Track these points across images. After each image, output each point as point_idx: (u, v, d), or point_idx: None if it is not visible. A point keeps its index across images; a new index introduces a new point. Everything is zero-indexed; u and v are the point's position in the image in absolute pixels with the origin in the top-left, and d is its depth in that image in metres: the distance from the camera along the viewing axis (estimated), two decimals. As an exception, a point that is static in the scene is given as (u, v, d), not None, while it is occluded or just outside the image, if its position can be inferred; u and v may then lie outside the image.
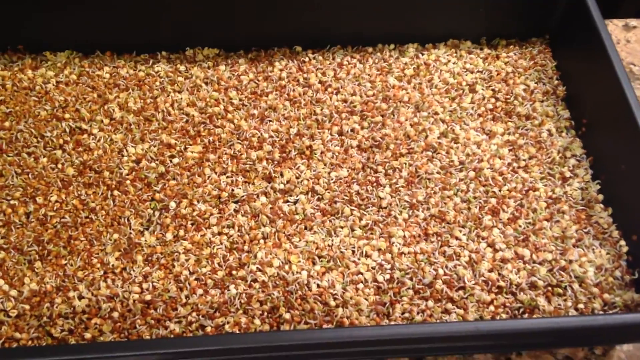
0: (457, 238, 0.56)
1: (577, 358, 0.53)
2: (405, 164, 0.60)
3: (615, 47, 0.60)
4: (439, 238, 0.56)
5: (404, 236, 0.56)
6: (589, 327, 0.44)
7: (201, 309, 0.51)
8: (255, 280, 0.53)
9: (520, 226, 0.56)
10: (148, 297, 0.52)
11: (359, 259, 0.54)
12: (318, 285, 0.53)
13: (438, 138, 0.62)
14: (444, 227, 0.56)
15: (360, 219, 0.57)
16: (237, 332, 0.50)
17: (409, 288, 0.53)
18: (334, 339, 0.44)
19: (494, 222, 0.56)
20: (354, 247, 0.55)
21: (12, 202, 0.57)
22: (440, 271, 0.53)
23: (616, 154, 0.58)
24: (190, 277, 0.53)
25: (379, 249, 0.55)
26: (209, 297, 0.52)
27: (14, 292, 0.52)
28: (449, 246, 0.55)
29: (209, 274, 0.53)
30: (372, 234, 0.56)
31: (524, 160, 0.61)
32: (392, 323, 0.51)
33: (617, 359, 0.53)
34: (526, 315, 0.51)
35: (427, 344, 0.45)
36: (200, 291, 0.52)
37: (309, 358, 0.45)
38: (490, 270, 0.54)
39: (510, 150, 0.62)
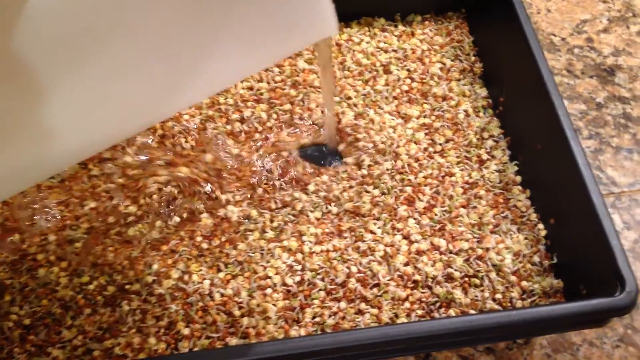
0: (371, 232, 0.52)
1: (498, 348, 0.51)
2: None
3: (529, 20, 0.57)
4: (352, 233, 0.52)
5: (316, 234, 0.52)
6: (505, 323, 0.42)
7: (88, 331, 0.46)
8: (151, 294, 0.48)
9: (436, 215, 0.53)
10: (27, 322, 0.46)
11: (267, 262, 0.50)
12: (222, 294, 0.48)
13: (354, 119, 0.59)
14: (357, 221, 0.53)
15: (272, 221, 0.53)
16: (129, 354, 0.45)
17: (320, 289, 0.49)
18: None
19: (409, 212, 0.53)
20: (262, 250, 0.51)
21: None
22: (354, 269, 0.50)
23: (532, 133, 0.56)
24: (78, 296, 0.48)
25: (289, 250, 0.51)
26: (98, 317, 0.47)
27: None
28: (363, 241, 0.52)
29: (98, 291, 0.48)
30: (283, 234, 0.52)
31: (440, 144, 0.58)
32: (302, 332, 0.47)
33: (539, 346, 0.51)
34: (442, 310, 0.48)
35: (337, 354, 0.41)
36: (88, 310, 0.47)
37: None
38: (406, 264, 0.50)
39: (426, 134, 0.59)
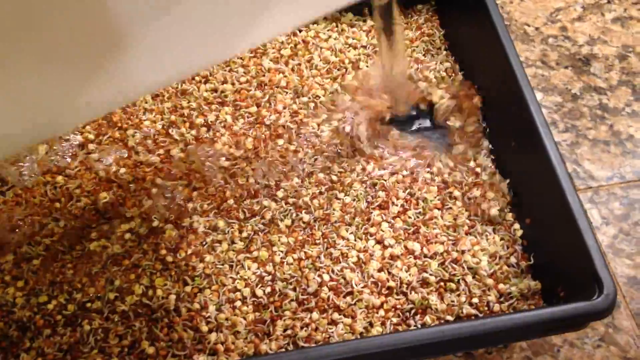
0: (343, 238, 0.50)
1: (477, 352, 0.50)
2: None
3: (498, 9, 0.56)
4: (324, 240, 0.50)
5: (288, 242, 0.50)
6: (480, 332, 0.40)
7: (48, 353, 0.44)
8: (113, 312, 0.46)
9: (409, 217, 0.51)
10: (-18, 348, 0.44)
11: (237, 274, 0.48)
12: (188, 309, 0.46)
13: (320, 125, 0.57)
14: (329, 228, 0.51)
15: (241, 231, 0.51)
16: (91, 377, 0.43)
17: (292, 300, 0.47)
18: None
19: (382, 216, 0.51)
20: (232, 262, 0.49)
21: None
22: (326, 277, 0.48)
23: (506, 130, 0.54)
24: (36, 316, 0.46)
25: (260, 260, 0.49)
26: (58, 338, 0.45)
27: None
28: (335, 247, 0.50)
29: (58, 310, 0.46)
30: (252, 244, 0.50)
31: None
32: (274, 345, 0.45)
33: (518, 349, 0.50)
34: (418, 317, 0.47)
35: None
36: (47, 331, 0.45)
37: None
38: (380, 270, 0.49)
39: (398, 132, 0.57)
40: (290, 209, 0.51)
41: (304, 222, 0.51)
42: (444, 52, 0.63)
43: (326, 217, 0.51)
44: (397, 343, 0.40)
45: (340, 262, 0.49)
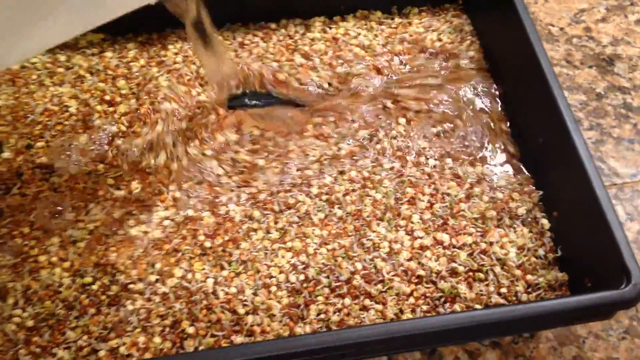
0: (374, 231, 0.52)
1: (504, 342, 0.51)
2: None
3: (527, 10, 0.57)
4: (357, 232, 0.52)
5: (321, 235, 0.51)
6: (510, 318, 0.42)
7: (93, 331, 0.46)
8: (154, 293, 0.48)
9: (437, 210, 0.53)
10: (30, 323, 0.46)
11: (271, 261, 0.50)
12: (226, 292, 0.48)
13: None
14: (361, 222, 0.52)
15: (276, 222, 0.52)
16: (135, 353, 0.45)
17: (324, 286, 0.49)
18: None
19: (411, 210, 0.53)
20: (267, 250, 0.51)
21: None
22: (359, 265, 0.50)
23: (534, 126, 0.55)
24: (81, 296, 0.48)
25: (294, 250, 0.51)
26: (102, 317, 0.47)
27: None
28: (367, 239, 0.51)
29: (102, 291, 0.48)
30: (287, 235, 0.51)
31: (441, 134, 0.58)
32: (308, 329, 0.47)
33: (545, 339, 0.51)
34: (447, 305, 0.48)
35: (342, 350, 0.41)
36: (92, 310, 0.47)
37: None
38: (410, 260, 0.50)
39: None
40: (323, 205, 0.53)
41: (336, 217, 0.52)
42: (473, 46, 0.64)
43: (358, 213, 0.53)
44: (428, 327, 0.42)
45: (371, 252, 0.51)
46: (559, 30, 0.72)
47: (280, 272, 0.49)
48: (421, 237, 0.51)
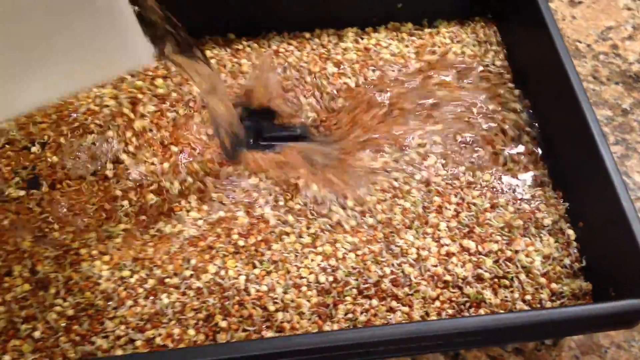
0: (403, 238, 0.53)
1: (527, 349, 0.52)
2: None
3: (557, 26, 0.58)
4: (386, 239, 0.53)
5: (353, 242, 0.53)
6: (534, 322, 0.43)
7: (130, 322, 0.48)
8: (189, 288, 0.50)
9: (464, 219, 0.54)
10: (70, 312, 0.48)
11: (301, 263, 0.52)
12: (257, 290, 0.50)
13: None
14: (391, 229, 0.54)
15: (308, 227, 0.54)
16: (170, 344, 0.47)
17: (353, 287, 0.50)
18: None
19: (439, 218, 0.54)
20: (298, 253, 0.52)
21: None
22: (387, 269, 0.51)
23: (561, 138, 0.57)
24: (119, 288, 0.50)
25: (324, 254, 0.52)
26: (139, 309, 0.49)
27: None
28: (396, 245, 0.53)
29: (139, 283, 0.50)
30: (318, 240, 0.53)
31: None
32: (335, 327, 0.48)
33: (567, 349, 0.52)
34: (472, 310, 0.49)
35: (368, 348, 0.43)
36: (129, 302, 0.49)
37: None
38: (436, 265, 0.51)
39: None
40: (356, 215, 0.54)
41: (367, 225, 0.54)
42: (501, 55, 0.65)
43: (388, 221, 0.54)
44: (453, 328, 0.43)
45: (399, 258, 0.52)
46: (586, 46, 0.73)
47: (310, 273, 0.51)
48: (448, 245, 0.53)
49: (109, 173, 0.56)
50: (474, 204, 0.55)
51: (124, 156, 0.57)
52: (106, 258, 0.51)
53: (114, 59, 0.40)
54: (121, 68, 0.45)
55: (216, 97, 0.53)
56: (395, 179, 0.57)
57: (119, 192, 0.55)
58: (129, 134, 0.58)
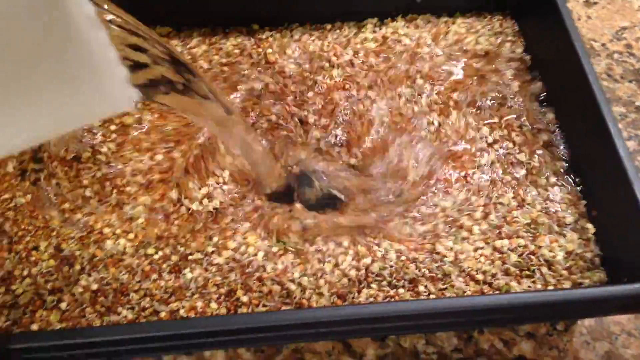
0: (444, 245, 0.54)
1: (539, 333, 0.53)
2: None
3: (575, 25, 0.60)
4: (428, 247, 0.54)
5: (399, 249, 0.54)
6: (550, 301, 0.44)
7: (155, 294, 0.49)
8: (211, 264, 0.51)
9: (493, 220, 0.55)
10: (95, 287, 0.50)
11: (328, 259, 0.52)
12: (275, 269, 0.51)
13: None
14: (432, 238, 0.54)
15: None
16: (193, 316, 0.48)
17: (383, 279, 0.51)
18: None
19: (472, 221, 0.55)
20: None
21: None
22: (425, 271, 0.52)
23: (578, 133, 0.58)
24: (144, 263, 0.51)
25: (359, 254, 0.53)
26: (163, 282, 0.50)
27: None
28: (437, 253, 0.53)
29: (163, 260, 0.51)
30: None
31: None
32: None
33: (578, 334, 0.53)
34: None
35: (387, 323, 0.44)
36: (154, 276, 0.50)
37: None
38: (471, 266, 0.52)
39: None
40: (407, 221, 0.55)
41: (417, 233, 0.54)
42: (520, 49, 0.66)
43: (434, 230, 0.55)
44: (468, 306, 0.44)
45: (438, 262, 0.52)
46: (601, 45, 0.74)
47: (341, 263, 0.52)
48: (482, 248, 0.53)
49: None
50: (501, 204, 0.56)
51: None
52: (131, 236, 0.53)
53: (85, 105, 0.35)
54: (94, 115, 0.40)
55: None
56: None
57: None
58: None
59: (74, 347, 0.41)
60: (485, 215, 0.55)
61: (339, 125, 0.60)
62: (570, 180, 0.58)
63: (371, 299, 0.50)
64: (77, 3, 0.31)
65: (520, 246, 0.53)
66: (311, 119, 0.60)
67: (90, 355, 0.42)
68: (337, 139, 0.59)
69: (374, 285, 0.51)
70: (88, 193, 0.55)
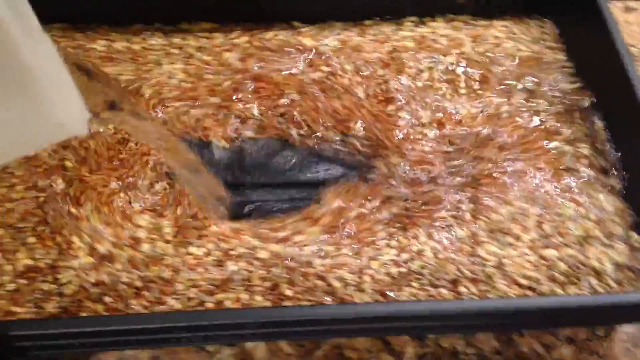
0: (486, 249, 0.53)
1: (578, 339, 0.53)
2: None
3: (619, 30, 0.60)
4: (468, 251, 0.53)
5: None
6: (591, 306, 0.44)
7: (200, 285, 0.49)
8: (256, 258, 0.51)
9: (545, 229, 0.54)
10: (139, 284, 0.50)
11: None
12: (322, 265, 0.51)
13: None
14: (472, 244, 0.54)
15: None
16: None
17: (425, 278, 0.51)
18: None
19: (520, 229, 0.54)
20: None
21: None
22: (467, 272, 0.52)
23: (629, 143, 0.58)
24: (187, 258, 0.51)
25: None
26: (209, 275, 0.50)
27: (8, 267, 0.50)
28: (479, 255, 0.53)
29: (206, 255, 0.51)
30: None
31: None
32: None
33: (618, 341, 0.53)
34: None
35: (425, 322, 0.44)
36: (200, 269, 0.50)
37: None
38: (514, 271, 0.52)
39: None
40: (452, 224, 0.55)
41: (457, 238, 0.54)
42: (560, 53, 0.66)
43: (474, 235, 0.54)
44: (506, 307, 0.44)
45: (479, 266, 0.52)
46: (639, 51, 0.74)
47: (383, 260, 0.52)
48: (527, 255, 0.53)
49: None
50: (558, 214, 0.55)
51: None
52: (169, 237, 0.52)
53: (34, 132, 0.33)
54: (44, 141, 0.39)
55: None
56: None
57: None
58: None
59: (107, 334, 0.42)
60: (539, 224, 0.54)
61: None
62: (619, 188, 0.57)
63: (413, 298, 0.50)
64: (18, 16, 0.29)
65: (568, 255, 0.53)
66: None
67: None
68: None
69: (415, 284, 0.51)
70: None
